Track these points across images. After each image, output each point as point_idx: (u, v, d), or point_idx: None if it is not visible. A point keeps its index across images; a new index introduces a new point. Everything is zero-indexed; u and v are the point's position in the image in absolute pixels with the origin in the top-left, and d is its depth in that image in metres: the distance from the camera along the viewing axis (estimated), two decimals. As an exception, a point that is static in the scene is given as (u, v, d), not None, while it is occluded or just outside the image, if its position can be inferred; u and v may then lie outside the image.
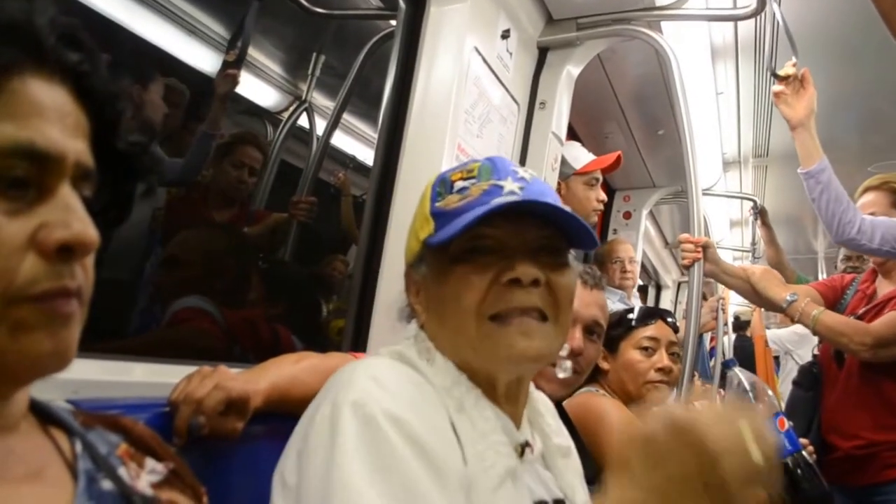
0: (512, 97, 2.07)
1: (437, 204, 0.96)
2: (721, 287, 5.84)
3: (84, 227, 0.57)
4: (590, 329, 1.58)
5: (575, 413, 1.70)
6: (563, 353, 1.52)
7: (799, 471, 1.79)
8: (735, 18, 2.15)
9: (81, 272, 0.58)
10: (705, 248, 2.15)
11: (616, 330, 1.90)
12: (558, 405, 1.63)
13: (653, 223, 4.94)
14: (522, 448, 0.95)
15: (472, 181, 0.96)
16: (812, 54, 2.64)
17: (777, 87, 2.12)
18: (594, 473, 1.60)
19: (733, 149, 3.79)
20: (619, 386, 1.88)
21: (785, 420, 1.82)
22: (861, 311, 2.38)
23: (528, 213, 0.92)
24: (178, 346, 1.53)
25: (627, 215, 4.13)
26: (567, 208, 0.94)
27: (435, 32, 1.71)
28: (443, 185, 0.98)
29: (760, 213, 3.94)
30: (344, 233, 2.84)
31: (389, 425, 0.79)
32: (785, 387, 5.52)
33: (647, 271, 5.67)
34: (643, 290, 5.84)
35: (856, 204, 2.35)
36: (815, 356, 2.66)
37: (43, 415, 0.66)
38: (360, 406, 0.80)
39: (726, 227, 5.59)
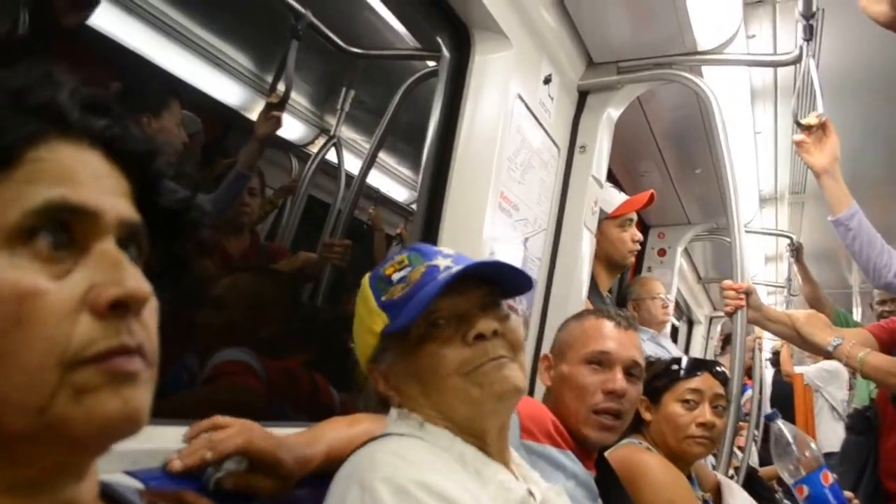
0: (553, 141, 2.14)
1: (383, 298, 1.10)
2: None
3: (135, 281, 0.57)
4: (629, 370, 1.61)
5: (618, 466, 1.74)
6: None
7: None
8: (775, 65, 2.22)
9: (140, 329, 0.57)
10: (748, 294, 2.19)
11: (660, 381, 1.93)
12: (600, 454, 1.68)
13: (686, 258, 4.98)
14: (529, 492, 1.08)
15: (408, 269, 1.11)
16: (853, 91, 2.71)
17: (798, 137, 2.17)
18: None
19: (770, 186, 3.84)
20: (661, 438, 1.90)
21: (829, 474, 1.85)
22: None
23: (466, 279, 1.06)
24: (222, 404, 1.56)
25: (662, 252, 4.17)
26: (498, 259, 1.06)
27: (479, 80, 1.78)
28: (380, 281, 1.12)
29: (797, 250, 3.97)
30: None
31: (421, 491, 0.90)
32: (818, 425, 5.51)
33: (680, 307, 5.69)
34: (674, 327, 5.86)
35: None
36: (871, 400, 2.66)
37: (113, 500, 0.66)
38: (390, 480, 0.91)
39: (761, 263, 5.61)
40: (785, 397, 7.23)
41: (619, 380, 1.57)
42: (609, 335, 1.62)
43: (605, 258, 2.63)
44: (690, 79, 2.20)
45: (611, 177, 3.34)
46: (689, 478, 1.96)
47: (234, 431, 1.06)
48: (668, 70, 2.22)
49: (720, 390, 1.94)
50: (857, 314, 7.13)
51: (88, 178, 0.58)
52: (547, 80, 2.04)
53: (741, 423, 4.80)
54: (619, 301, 3.73)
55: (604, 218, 2.54)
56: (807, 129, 2.18)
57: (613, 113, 2.35)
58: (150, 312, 0.59)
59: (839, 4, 2.11)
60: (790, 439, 1.88)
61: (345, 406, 1.97)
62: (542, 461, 1.48)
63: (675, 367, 1.96)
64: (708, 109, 2.21)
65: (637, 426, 1.93)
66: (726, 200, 2.27)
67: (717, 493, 2.08)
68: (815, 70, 2.15)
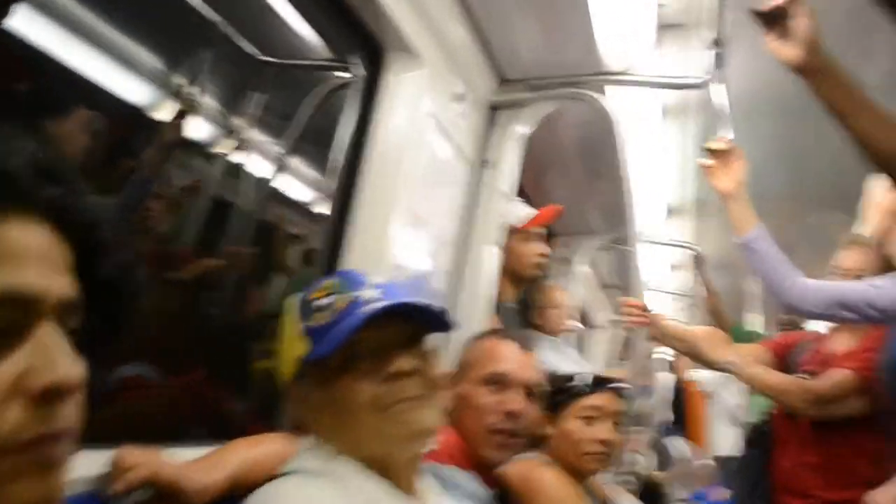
0: (463, 156, 2.16)
1: (308, 323, 1.09)
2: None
3: (69, 367, 0.57)
4: (529, 391, 1.65)
5: (515, 480, 1.77)
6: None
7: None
8: (683, 87, 2.28)
9: (70, 411, 0.58)
10: (646, 311, 2.26)
11: (561, 396, 1.97)
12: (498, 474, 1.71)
13: (589, 265, 5.08)
14: None
15: (333, 297, 1.10)
16: (761, 112, 2.82)
17: (706, 161, 2.24)
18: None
19: (677, 198, 3.97)
20: (560, 453, 1.94)
21: (720, 491, 1.93)
22: (811, 369, 2.51)
23: (393, 313, 1.05)
24: (121, 424, 1.52)
25: (565, 261, 4.26)
26: (425, 301, 1.09)
27: (391, 98, 1.78)
28: (305, 306, 1.12)
29: (699, 260, 4.12)
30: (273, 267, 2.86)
31: None
32: (713, 431, 5.73)
33: (582, 313, 5.81)
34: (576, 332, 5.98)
35: (838, 256, 2.48)
36: (769, 414, 2.77)
37: None
38: None
39: (667, 271, 5.79)
40: (681, 401, 7.51)
41: (517, 401, 1.61)
42: (509, 356, 1.66)
43: (511, 271, 2.66)
44: (596, 98, 2.27)
45: (520, 189, 3.40)
46: (583, 490, 2.02)
47: (141, 462, 1.05)
48: (575, 89, 2.27)
49: (620, 407, 1.99)
50: (760, 323, 7.45)
51: (35, 258, 0.58)
52: (458, 98, 2.06)
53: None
54: (525, 309, 3.79)
55: (510, 232, 2.57)
56: (713, 153, 2.25)
57: (523, 129, 2.39)
58: (80, 391, 0.59)
59: (748, 29, 2.20)
60: (686, 455, 1.95)
61: (252, 421, 1.94)
62: (440, 482, 1.50)
63: (576, 383, 2.00)
64: (612, 130, 2.28)
65: (537, 441, 1.97)
66: (626, 217, 2.33)
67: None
68: (724, 95, 2.23)
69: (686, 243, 4.46)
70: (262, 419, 1.83)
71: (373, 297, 1.08)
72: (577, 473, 1.94)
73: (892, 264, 2.25)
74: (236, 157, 2.71)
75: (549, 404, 1.92)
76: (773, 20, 1.47)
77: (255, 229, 2.61)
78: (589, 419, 1.94)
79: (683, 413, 6.69)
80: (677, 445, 1.94)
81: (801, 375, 2.46)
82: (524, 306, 3.64)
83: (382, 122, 1.77)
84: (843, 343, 2.48)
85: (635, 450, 4.37)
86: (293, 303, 1.15)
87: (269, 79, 2.56)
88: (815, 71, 1.44)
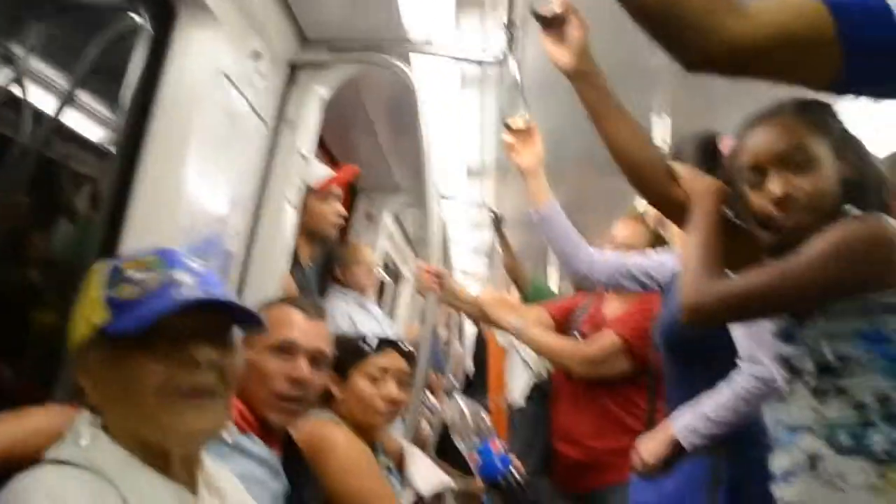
0: (259, 117, 2.13)
1: (112, 293, 1.06)
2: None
3: None
4: (314, 358, 1.70)
5: (305, 441, 1.82)
6: None
7: (511, 486, 2.04)
8: (480, 62, 2.36)
9: None
10: (439, 276, 2.35)
11: (349, 357, 2.03)
12: (287, 436, 1.75)
13: (394, 220, 5.17)
14: None
15: (147, 273, 1.07)
16: (553, 85, 2.95)
17: (507, 138, 2.34)
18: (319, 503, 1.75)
19: (477, 161, 4.09)
20: (349, 412, 2.01)
21: (498, 443, 2.07)
22: (587, 332, 2.72)
23: (204, 304, 1.06)
24: None
25: (370, 216, 4.31)
26: (235, 300, 1.13)
27: (181, 55, 1.72)
28: (116, 274, 1.08)
29: (498, 221, 4.29)
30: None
31: None
32: (511, 381, 6.04)
33: (388, 266, 5.91)
34: (382, 284, 6.08)
35: (613, 230, 2.67)
36: (548, 371, 2.96)
37: None
38: None
39: (468, 229, 5.98)
40: (484, 352, 7.82)
41: (303, 368, 1.65)
42: (296, 324, 1.69)
43: (307, 231, 2.68)
44: (397, 65, 2.31)
45: (322, 145, 3.39)
46: (374, 446, 2.10)
47: None
48: (377, 54, 2.30)
49: (405, 367, 2.08)
50: (554, 282, 7.88)
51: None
52: (256, 56, 2.02)
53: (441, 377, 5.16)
54: (328, 266, 3.81)
55: (307, 192, 2.58)
56: (513, 130, 2.34)
57: (324, 90, 2.38)
58: None
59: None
60: (466, 412, 2.07)
61: (24, 387, 1.85)
62: (226, 447, 1.52)
63: (363, 344, 2.07)
64: (412, 97, 2.33)
65: (326, 400, 2.02)
66: (424, 179, 2.40)
67: (401, 458, 2.24)
68: (517, 72, 2.32)
69: (485, 204, 4.63)
70: (37, 384, 1.76)
71: (187, 283, 1.06)
72: (367, 431, 2.02)
73: (662, 238, 2.48)
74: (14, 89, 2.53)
75: (336, 366, 1.98)
76: (551, 23, 1.56)
77: (36, 168, 2.46)
78: (376, 379, 2.01)
79: (485, 364, 7.01)
80: (461, 400, 2.06)
81: (575, 336, 2.67)
82: (327, 263, 3.67)
83: (171, 76, 1.71)
84: (614, 308, 2.71)
85: (431, 404, 4.53)
86: (102, 267, 1.10)
87: (53, 11, 2.39)
88: (581, 76, 1.55)
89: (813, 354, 1.36)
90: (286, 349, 1.65)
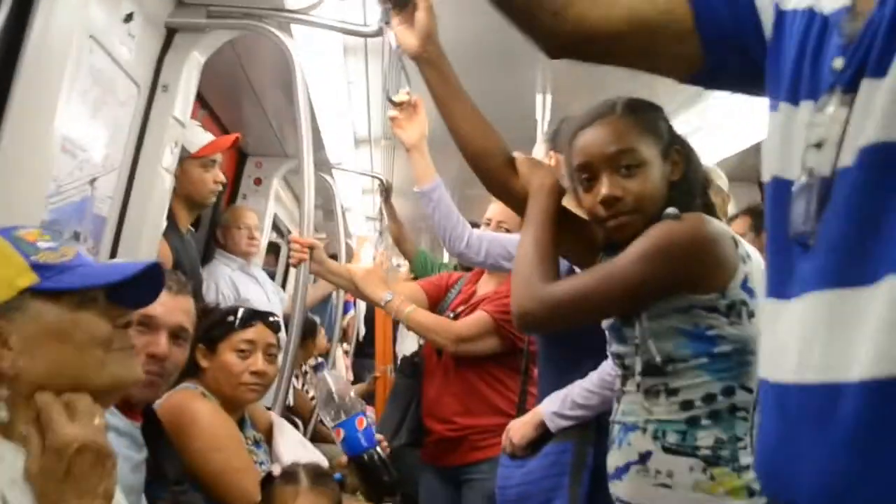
0: (133, 80, 2.10)
1: (34, 258, 1.13)
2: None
3: None
4: (175, 334, 1.73)
5: (167, 413, 1.84)
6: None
7: (375, 463, 2.10)
8: (361, 35, 2.38)
9: None
10: (311, 248, 2.39)
11: (216, 330, 2.06)
12: (149, 408, 1.77)
13: (286, 185, 5.15)
14: None
15: (55, 243, 1.17)
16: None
17: (392, 113, 2.38)
18: (180, 475, 1.78)
19: (364, 130, 4.12)
20: (216, 385, 2.05)
21: (364, 419, 2.12)
22: (459, 309, 2.79)
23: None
24: None
25: (258, 181, 4.29)
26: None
27: (45, 17, 1.67)
28: (22, 242, 1.14)
29: (386, 190, 4.34)
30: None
31: None
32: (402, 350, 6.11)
33: (280, 229, 5.89)
34: (275, 248, 6.06)
35: (489, 211, 2.73)
36: (420, 346, 3.02)
37: None
38: None
39: (358, 195, 6.01)
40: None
41: (161, 344, 1.69)
42: (158, 300, 1.70)
43: (186, 197, 2.67)
44: (276, 34, 2.31)
45: (210, 112, 3.36)
46: (243, 419, 2.13)
47: None
48: (256, 22, 2.30)
49: (273, 340, 2.13)
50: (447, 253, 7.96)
51: None
52: (128, 18, 1.99)
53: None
54: (212, 230, 3.79)
55: (186, 157, 2.56)
56: (398, 105, 2.36)
57: (202, 55, 2.36)
58: None
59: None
60: (332, 388, 2.12)
61: None
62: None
63: (230, 317, 2.10)
64: (291, 67, 2.34)
65: (195, 372, 2.05)
66: (301, 150, 2.42)
67: (270, 431, 2.28)
68: (395, 44, 2.35)
69: (373, 173, 4.67)
70: None
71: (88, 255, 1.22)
72: (234, 404, 2.07)
73: None
74: None
75: (204, 339, 2.01)
76: (402, 6, 1.60)
77: None
78: (243, 352, 2.05)
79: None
80: (328, 377, 2.10)
81: (448, 315, 2.74)
82: (212, 227, 3.65)
83: (35, 39, 1.65)
84: (486, 287, 2.79)
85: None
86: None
87: None
88: (427, 61, 1.60)
89: (640, 353, 1.44)
90: (146, 324, 1.67)
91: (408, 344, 6.29)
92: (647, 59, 1.14)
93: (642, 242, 1.38)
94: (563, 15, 1.06)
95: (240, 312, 2.12)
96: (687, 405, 1.40)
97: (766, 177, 0.94)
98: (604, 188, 1.42)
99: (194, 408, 1.95)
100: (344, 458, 2.15)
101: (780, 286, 0.89)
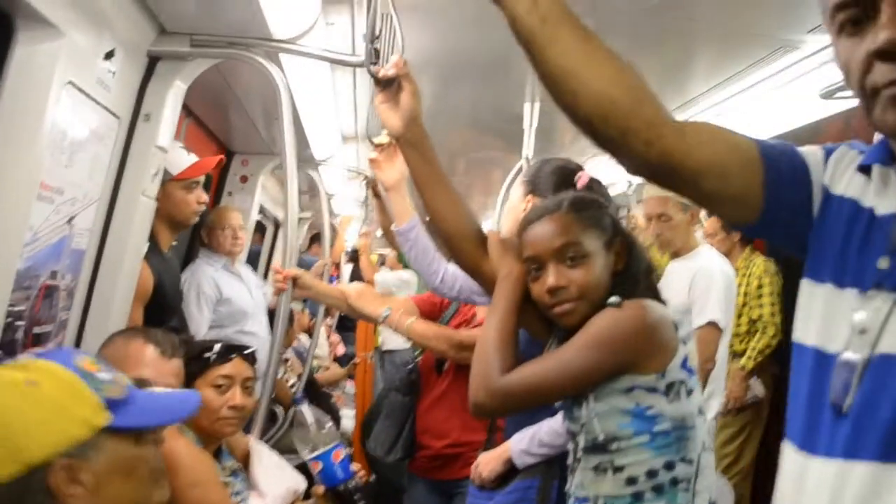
0: (112, 114, 2.07)
1: (102, 394, 1.19)
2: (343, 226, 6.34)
3: None
4: None
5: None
6: None
7: (351, 494, 2.14)
8: (348, 64, 2.36)
9: None
10: (294, 279, 2.39)
11: (193, 366, 2.07)
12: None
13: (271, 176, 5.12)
14: None
15: (110, 372, 1.27)
16: (437, 74, 3.01)
17: (372, 155, 2.38)
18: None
19: (350, 128, 4.10)
20: (194, 420, 2.05)
21: (341, 451, 2.15)
22: (456, 326, 2.80)
23: None
24: None
25: (244, 179, 4.27)
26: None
27: (20, 73, 1.65)
28: (90, 378, 1.21)
29: (371, 185, 4.33)
30: None
31: None
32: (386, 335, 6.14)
33: (266, 212, 5.87)
34: (262, 229, 6.05)
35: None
36: (416, 362, 3.04)
37: None
38: None
39: (345, 182, 5.98)
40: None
41: None
42: (150, 363, 1.75)
43: (168, 217, 2.66)
44: (261, 62, 2.29)
45: (190, 114, 3.32)
46: (219, 449, 2.15)
47: None
48: (240, 52, 2.27)
49: (250, 373, 2.16)
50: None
51: None
52: (109, 56, 1.96)
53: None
54: (195, 230, 3.77)
55: (169, 179, 2.55)
56: (379, 146, 2.38)
57: (184, 82, 2.33)
58: None
59: (414, 5, 2.30)
60: (309, 421, 2.14)
61: None
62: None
63: (206, 353, 2.11)
64: (277, 94, 2.32)
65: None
66: (284, 162, 2.45)
67: (248, 457, 2.30)
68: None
69: (359, 169, 4.65)
70: None
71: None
72: (212, 437, 2.08)
73: None
74: None
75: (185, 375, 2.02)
76: (387, 86, 1.60)
77: None
78: (220, 387, 2.07)
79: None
80: (305, 411, 2.12)
81: None
82: (195, 228, 3.64)
83: (9, 98, 1.65)
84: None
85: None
86: (69, 370, 1.19)
87: None
88: (408, 142, 1.64)
89: (587, 431, 1.53)
90: (137, 385, 1.68)
91: (389, 332, 6.34)
92: (714, 202, 1.18)
93: (587, 332, 1.49)
94: (654, 146, 1.08)
95: (216, 347, 2.13)
96: (631, 481, 1.49)
97: (803, 341, 1.05)
98: (550, 278, 1.54)
99: (173, 445, 1.96)
100: (321, 489, 2.18)
101: (809, 439, 1.00)
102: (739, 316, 4.37)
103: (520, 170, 3.53)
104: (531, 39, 1.10)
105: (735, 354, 4.37)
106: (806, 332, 1.05)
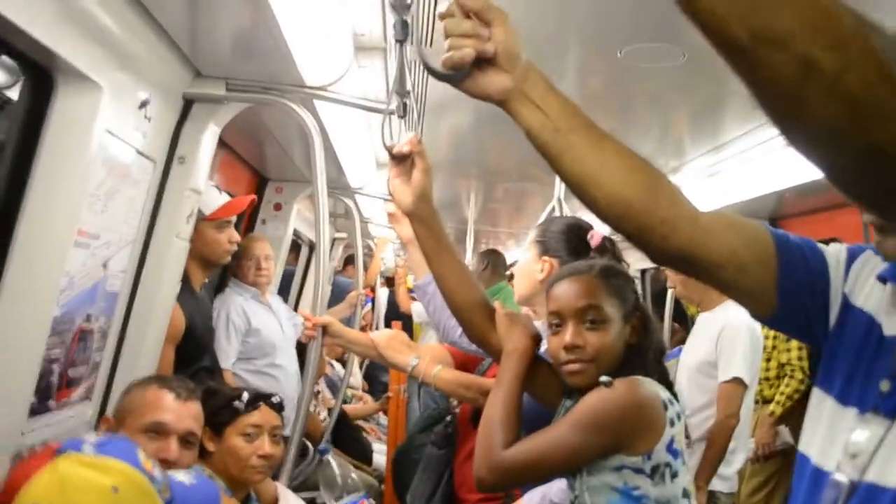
0: (148, 157, 2.15)
1: (163, 496, 1.34)
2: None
3: None
4: (184, 439, 1.86)
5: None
6: None
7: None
8: (380, 111, 2.41)
9: None
10: (325, 327, 2.45)
11: (222, 415, 2.14)
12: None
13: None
14: None
15: (159, 471, 1.40)
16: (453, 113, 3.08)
17: (390, 209, 2.44)
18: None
19: (386, 156, 4.16)
20: (224, 467, 2.13)
21: (366, 501, 2.21)
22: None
23: None
24: None
25: (278, 207, 4.36)
26: None
27: (60, 126, 1.72)
28: (153, 481, 1.35)
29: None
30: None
31: None
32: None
33: (300, 235, 5.97)
34: (297, 249, 6.15)
35: None
36: (453, 415, 3.06)
37: None
38: None
39: (381, 205, 6.07)
40: (396, 314, 7.98)
41: (172, 450, 1.81)
42: (167, 406, 1.82)
43: (200, 257, 2.73)
44: (295, 110, 2.37)
45: (229, 148, 3.42)
46: (248, 497, 2.22)
47: None
48: (274, 98, 2.35)
49: (277, 422, 2.22)
50: (469, 246, 8.08)
51: None
52: (143, 104, 2.04)
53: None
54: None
55: (201, 219, 2.63)
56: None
57: (218, 125, 2.42)
58: None
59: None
60: (336, 470, 2.20)
61: None
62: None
63: (235, 402, 2.17)
64: (311, 140, 2.40)
65: (200, 453, 2.13)
66: (316, 209, 2.49)
67: (276, 502, 2.36)
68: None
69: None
70: None
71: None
72: (241, 485, 2.15)
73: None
74: None
75: (210, 423, 2.09)
76: (400, 161, 1.65)
77: None
78: (249, 436, 2.14)
79: (408, 327, 7.18)
80: (332, 461, 2.17)
81: None
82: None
83: (49, 151, 1.73)
84: None
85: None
86: (137, 476, 1.32)
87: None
88: (419, 219, 1.69)
89: (580, 503, 1.60)
90: (157, 430, 1.78)
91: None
92: (732, 292, 1.22)
93: (578, 410, 1.56)
94: (670, 240, 1.12)
95: (244, 396, 2.20)
96: None
97: (806, 451, 1.09)
98: (568, 335, 1.60)
99: None
100: (347, 531, 2.24)
101: None
102: (768, 360, 4.36)
103: (552, 210, 3.56)
104: (546, 150, 1.16)
105: (764, 400, 4.38)
106: (810, 443, 1.08)
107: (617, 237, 2.10)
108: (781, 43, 0.66)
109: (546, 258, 2.18)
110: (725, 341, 3.38)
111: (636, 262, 4.12)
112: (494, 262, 5.27)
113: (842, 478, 0.97)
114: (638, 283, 7.08)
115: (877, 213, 0.95)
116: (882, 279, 1.05)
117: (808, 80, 0.66)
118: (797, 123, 0.73)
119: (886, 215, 0.93)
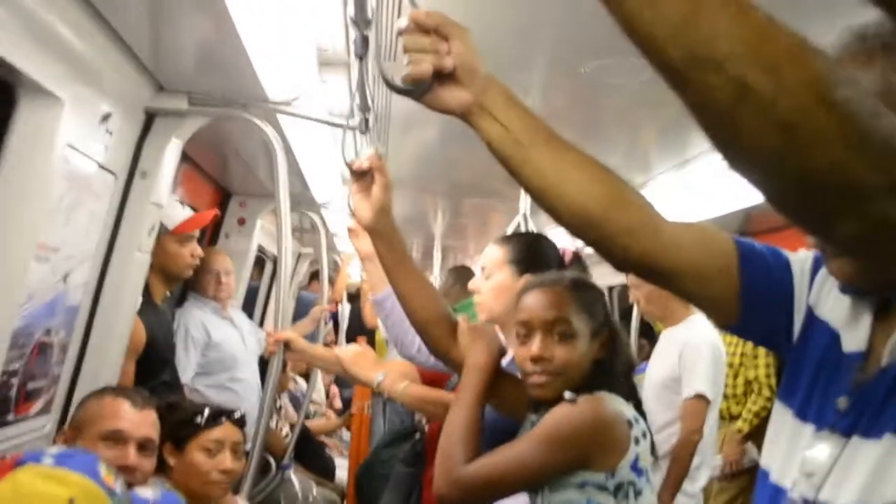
0: (109, 171, 2.17)
1: None
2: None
3: None
4: (142, 445, 1.89)
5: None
6: None
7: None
8: (344, 127, 2.45)
9: None
10: (286, 342, 2.48)
11: (183, 430, 2.16)
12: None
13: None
14: None
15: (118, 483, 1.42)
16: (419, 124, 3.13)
17: (350, 225, 2.48)
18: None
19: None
20: (184, 481, 2.15)
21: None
22: None
23: None
24: None
25: (242, 221, 4.37)
26: None
27: (22, 142, 1.75)
28: (113, 495, 1.36)
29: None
30: None
31: None
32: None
33: (265, 251, 5.96)
34: (262, 264, 6.14)
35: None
36: (422, 433, 3.08)
37: None
38: None
39: (346, 218, 6.08)
40: (360, 330, 7.98)
41: (130, 456, 1.84)
42: (124, 415, 1.85)
43: (162, 270, 2.75)
44: (257, 123, 2.40)
45: (191, 162, 3.44)
46: (209, 511, 2.24)
47: None
48: (237, 112, 2.38)
49: (239, 437, 2.24)
50: (437, 262, 8.12)
51: None
52: (105, 118, 2.07)
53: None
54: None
55: (164, 233, 2.65)
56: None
57: (180, 138, 2.44)
58: None
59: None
60: (297, 486, 2.22)
61: None
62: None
63: (197, 417, 2.19)
64: (273, 154, 2.43)
65: (160, 467, 2.14)
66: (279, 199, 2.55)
67: (235, 516, 2.38)
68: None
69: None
70: None
71: None
72: (203, 500, 2.17)
73: None
74: None
75: (172, 438, 2.11)
76: (361, 177, 1.69)
77: None
78: (210, 451, 2.16)
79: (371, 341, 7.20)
80: (295, 479, 2.19)
81: None
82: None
83: (11, 164, 1.75)
84: None
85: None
86: (93, 488, 1.33)
87: None
88: (378, 233, 1.73)
89: None
90: (115, 438, 1.81)
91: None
92: (695, 301, 1.25)
93: (541, 427, 1.58)
94: (631, 250, 1.13)
95: (206, 411, 2.22)
96: None
97: (767, 467, 1.09)
98: (535, 347, 1.62)
99: None
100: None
101: None
102: (736, 377, 4.40)
103: (517, 226, 3.61)
104: (507, 163, 1.17)
105: (731, 417, 4.41)
106: (771, 458, 1.08)
107: (588, 251, 2.16)
108: (716, 65, 0.64)
109: (529, 276, 2.22)
110: (688, 357, 3.44)
111: (601, 276, 4.22)
112: (464, 279, 5.31)
113: (797, 497, 0.97)
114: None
115: (818, 237, 0.96)
116: (844, 291, 1.04)
117: (742, 104, 0.65)
118: (733, 148, 0.72)
119: (828, 240, 0.92)
